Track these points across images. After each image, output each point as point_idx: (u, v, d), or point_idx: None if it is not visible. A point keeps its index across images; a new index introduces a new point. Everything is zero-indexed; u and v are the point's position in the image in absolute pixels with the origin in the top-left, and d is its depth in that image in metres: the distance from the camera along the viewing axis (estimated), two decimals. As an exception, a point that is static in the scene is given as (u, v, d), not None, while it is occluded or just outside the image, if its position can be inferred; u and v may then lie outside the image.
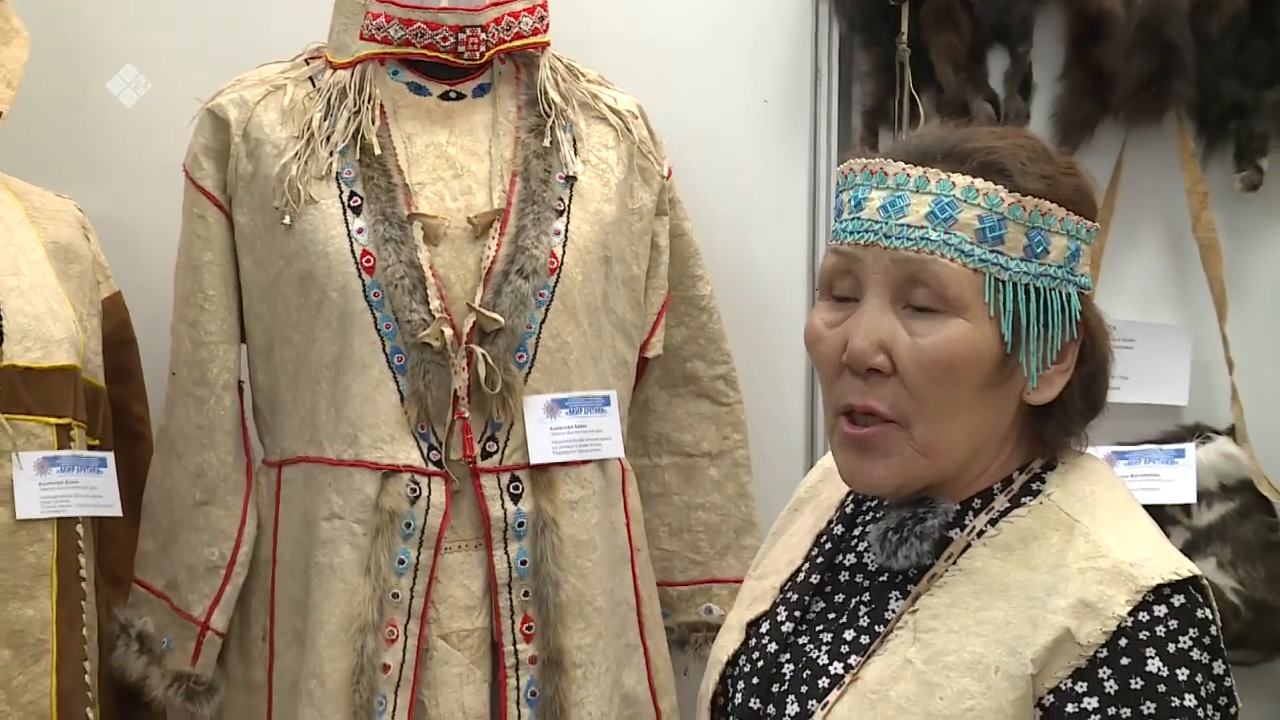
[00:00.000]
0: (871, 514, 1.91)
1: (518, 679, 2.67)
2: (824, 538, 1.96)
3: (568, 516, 2.69)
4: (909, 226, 1.78)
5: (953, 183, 1.78)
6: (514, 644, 2.67)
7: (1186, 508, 2.96)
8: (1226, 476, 2.98)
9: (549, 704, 2.67)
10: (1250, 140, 3.03)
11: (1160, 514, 2.85)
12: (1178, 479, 2.95)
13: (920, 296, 1.78)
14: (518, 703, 2.67)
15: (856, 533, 1.93)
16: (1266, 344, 3.10)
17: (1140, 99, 3.00)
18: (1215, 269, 3.03)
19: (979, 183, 1.77)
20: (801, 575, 1.94)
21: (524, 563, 2.67)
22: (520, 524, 2.67)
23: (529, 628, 2.68)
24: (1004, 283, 1.77)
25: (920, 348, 1.77)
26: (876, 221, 1.79)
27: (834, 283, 1.84)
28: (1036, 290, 1.78)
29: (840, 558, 1.93)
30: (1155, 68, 2.98)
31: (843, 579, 1.90)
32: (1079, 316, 1.81)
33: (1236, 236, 3.08)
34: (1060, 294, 1.79)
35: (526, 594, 2.67)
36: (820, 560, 1.93)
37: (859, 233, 1.80)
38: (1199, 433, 3.02)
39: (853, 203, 1.82)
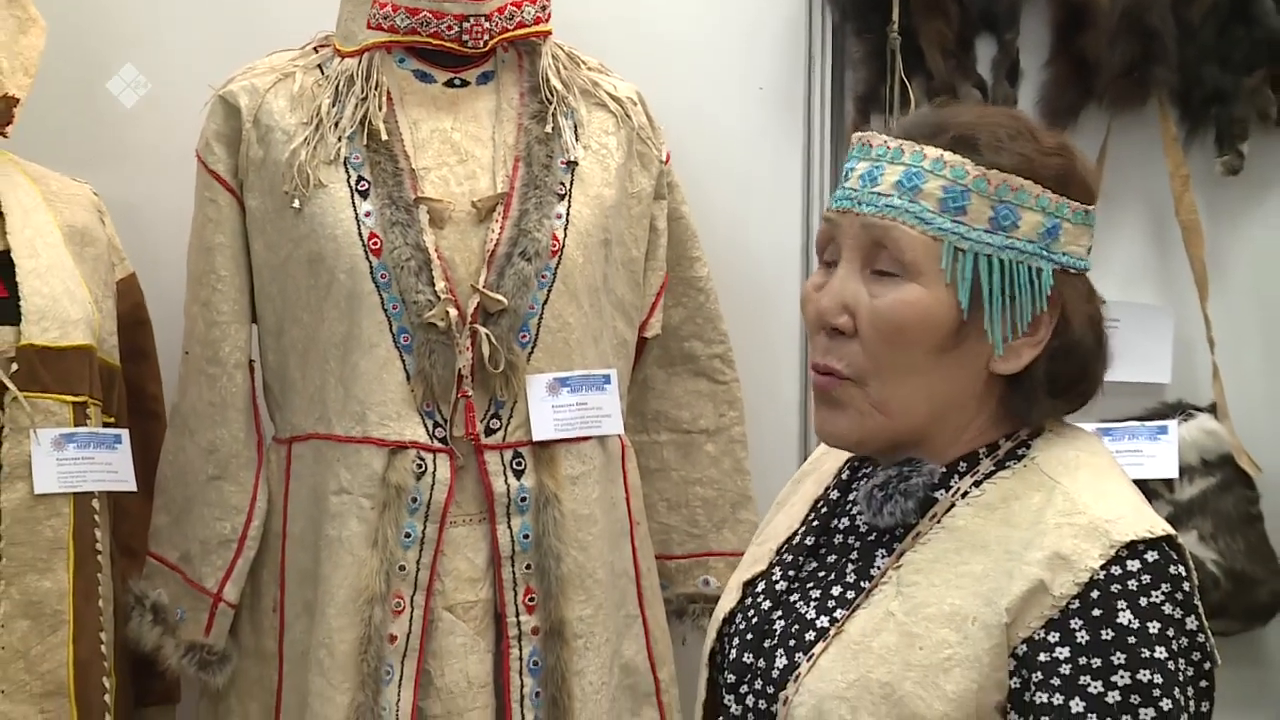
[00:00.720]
0: (866, 479, 1.94)
1: (520, 649, 2.70)
2: (820, 503, 2.00)
3: (569, 491, 2.73)
4: (879, 194, 1.83)
5: (924, 154, 1.83)
6: (516, 615, 2.70)
7: (1169, 482, 3.00)
8: (1208, 452, 3.02)
9: (551, 673, 2.70)
10: (1231, 125, 3.06)
11: (1143, 489, 2.83)
12: (1160, 454, 2.98)
13: (883, 261, 1.82)
14: (520, 672, 2.70)
15: (851, 498, 1.97)
16: (1246, 323, 3.13)
17: (1124, 85, 3.03)
18: (1197, 250, 3.06)
19: (948, 155, 1.82)
20: (797, 538, 1.98)
21: (526, 537, 2.70)
22: (523, 499, 2.70)
23: (531, 600, 2.71)
24: (963, 251, 1.80)
25: (875, 309, 1.82)
26: (855, 190, 1.85)
27: (823, 249, 1.89)
28: (1002, 261, 1.81)
29: (835, 522, 1.96)
30: (1138, 55, 3.00)
31: (836, 541, 1.94)
32: (1049, 291, 1.82)
33: (1217, 219, 3.11)
34: (1029, 268, 1.82)
35: (529, 567, 2.70)
36: (816, 524, 1.97)
37: (841, 200, 1.87)
38: (1181, 409, 3.05)
39: (845, 174, 1.88)
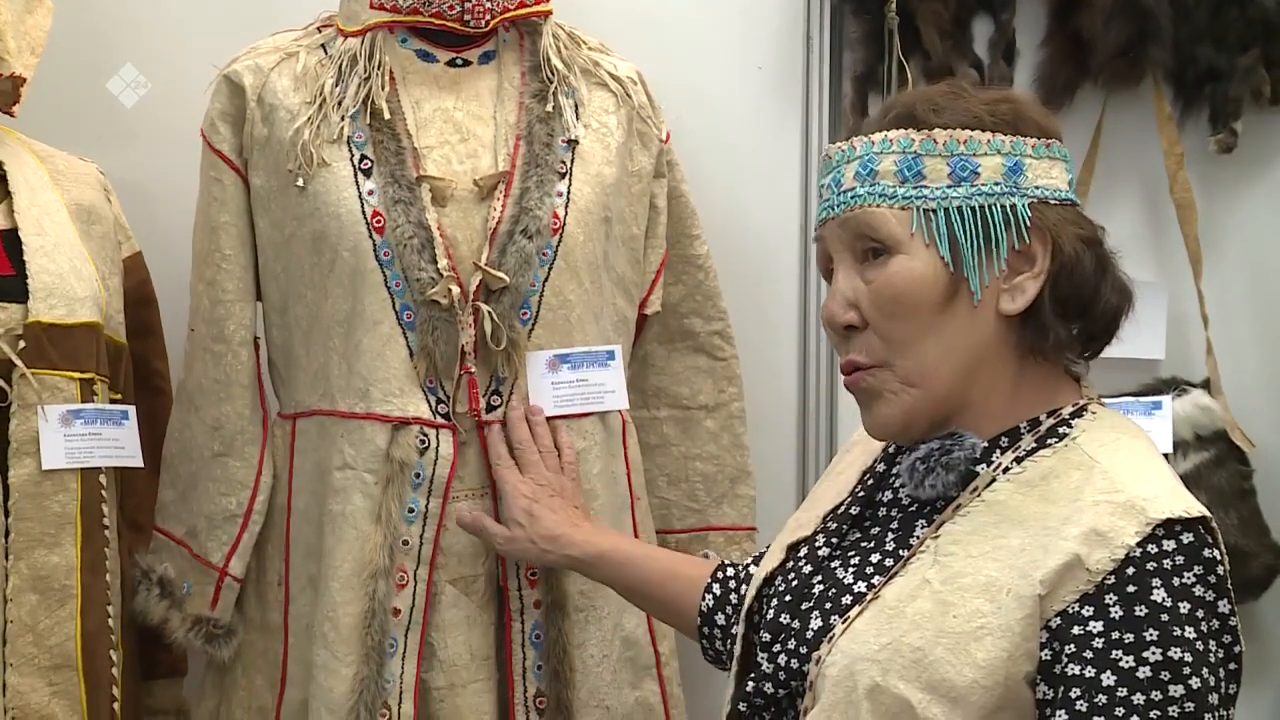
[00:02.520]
0: (909, 452, 1.98)
1: (522, 622, 2.72)
2: (868, 475, 2.05)
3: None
4: (844, 192, 1.92)
5: (871, 141, 1.91)
6: (519, 589, 2.71)
7: (1163, 457, 3.03)
8: (1201, 427, 3.04)
9: (552, 646, 2.72)
10: (1225, 104, 3.07)
11: None
12: (1155, 430, 2.99)
13: (867, 246, 1.90)
14: (523, 645, 2.72)
15: (895, 471, 2.01)
16: (1240, 300, 3.16)
17: (1119, 64, 3.05)
18: (1191, 227, 3.07)
19: (891, 133, 1.90)
20: (843, 507, 2.03)
21: None
22: (522, 474, 2.71)
23: (533, 573, 2.72)
24: (932, 212, 1.88)
25: (871, 291, 1.89)
26: (826, 200, 1.95)
27: (824, 268, 1.98)
28: (973, 209, 1.88)
29: (880, 494, 2.01)
30: (1133, 34, 3.02)
31: (880, 513, 1.99)
32: (1028, 223, 1.88)
33: (1211, 196, 3.13)
34: (1001, 208, 1.88)
35: None
36: (862, 495, 2.02)
37: (820, 215, 1.96)
38: (1175, 385, 3.08)
39: (819, 194, 1.98)
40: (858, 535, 1.98)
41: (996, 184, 1.89)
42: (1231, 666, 1.82)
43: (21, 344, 2.64)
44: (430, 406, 2.69)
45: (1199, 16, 3.07)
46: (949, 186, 1.88)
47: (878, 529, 1.97)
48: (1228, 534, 2.94)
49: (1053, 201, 1.91)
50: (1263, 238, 3.16)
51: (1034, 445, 1.90)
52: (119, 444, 2.76)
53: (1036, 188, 1.90)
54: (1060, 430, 1.91)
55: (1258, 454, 3.08)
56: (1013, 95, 1.96)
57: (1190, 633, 1.76)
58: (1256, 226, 3.16)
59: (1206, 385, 3.09)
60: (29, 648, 2.63)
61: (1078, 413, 1.93)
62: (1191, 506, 1.82)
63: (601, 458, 2.79)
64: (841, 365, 1.95)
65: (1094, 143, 3.09)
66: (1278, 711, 3.16)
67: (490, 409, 2.71)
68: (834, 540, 1.99)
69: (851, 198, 1.91)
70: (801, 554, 2.01)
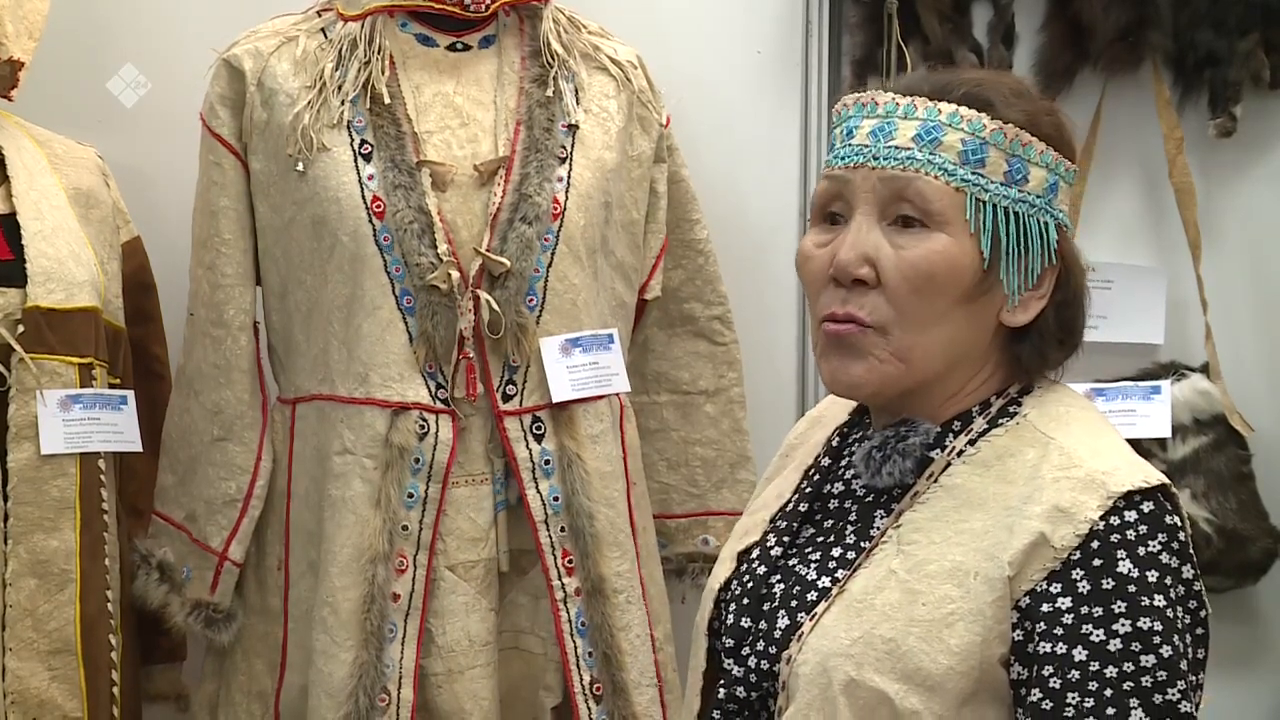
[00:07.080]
0: (856, 444, 1.97)
1: (567, 611, 2.72)
2: (812, 470, 2.03)
3: (590, 450, 2.75)
4: (896, 148, 1.86)
5: (939, 109, 1.86)
6: (559, 578, 2.71)
7: (1162, 442, 3.02)
8: (1200, 412, 3.04)
9: (599, 631, 2.72)
10: (1224, 88, 3.07)
11: (1137, 448, 2.86)
12: (1154, 414, 3.00)
13: (905, 212, 1.85)
14: (571, 635, 2.72)
15: (843, 463, 1.99)
16: (1239, 284, 3.15)
17: (1118, 49, 3.05)
18: (1190, 212, 3.07)
19: (964, 110, 1.86)
20: (790, 505, 2.01)
21: (556, 499, 2.71)
22: (546, 462, 2.72)
23: (569, 561, 2.72)
24: (984, 202, 1.84)
25: (904, 258, 1.84)
26: (866, 145, 1.87)
27: (825, 207, 1.91)
28: (1016, 214, 1.85)
29: (828, 487, 1.98)
30: (1132, 18, 3.03)
31: (831, 506, 1.96)
32: (1055, 247, 1.87)
33: (1210, 181, 3.13)
34: (1039, 221, 1.86)
35: (563, 529, 2.72)
36: (809, 490, 2.00)
37: (850, 157, 1.88)
38: (1174, 370, 3.08)
39: (845, 133, 1.90)
40: (812, 531, 1.97)
41: (1039, 197, 1.87)
42: (1198, 631, 1.82)
43: (20, 329, 2.65)
44: (430, 391, 2.70)
45: (1198, 1, 3.07)
46: (1002, 184, 1.86)
47: (832, 521, 1.95)
48: (1226, 518, 2.98)
49: (1066, 229, 1.91)
50: (1262, 222, 3.16)
51: (986, 426, 1.90)
52: (118, 429, 2.76)
53: (1060, 211, 1.90)
54: (1010, 409, 1.90)
55: (1256, 438, 3.08)
56: (1058, 108, 1.94)
57: (1159, 600, 1.76)
58: (1256, 211, 3.16)
59: (1205, 370, 3.09)
60: (28, 632, 2.64)
61: (1025, 390, 1.93)
62: (1150, 475, 1.81)
63: (617, 440, 2.80)
64: (830, 313, 1.88)
65: (1093, 128, 3.09)
66: (1278, 696, 3.17)
67: (506, 398, 2.72)
68: (786, 539, 1.97)
69: (907, 158, 1.85)
70: (754, 556, 1.99)
